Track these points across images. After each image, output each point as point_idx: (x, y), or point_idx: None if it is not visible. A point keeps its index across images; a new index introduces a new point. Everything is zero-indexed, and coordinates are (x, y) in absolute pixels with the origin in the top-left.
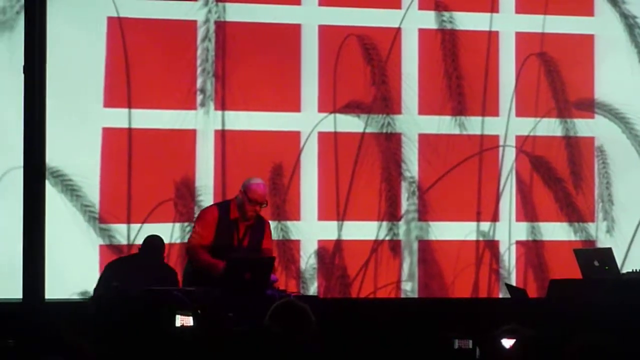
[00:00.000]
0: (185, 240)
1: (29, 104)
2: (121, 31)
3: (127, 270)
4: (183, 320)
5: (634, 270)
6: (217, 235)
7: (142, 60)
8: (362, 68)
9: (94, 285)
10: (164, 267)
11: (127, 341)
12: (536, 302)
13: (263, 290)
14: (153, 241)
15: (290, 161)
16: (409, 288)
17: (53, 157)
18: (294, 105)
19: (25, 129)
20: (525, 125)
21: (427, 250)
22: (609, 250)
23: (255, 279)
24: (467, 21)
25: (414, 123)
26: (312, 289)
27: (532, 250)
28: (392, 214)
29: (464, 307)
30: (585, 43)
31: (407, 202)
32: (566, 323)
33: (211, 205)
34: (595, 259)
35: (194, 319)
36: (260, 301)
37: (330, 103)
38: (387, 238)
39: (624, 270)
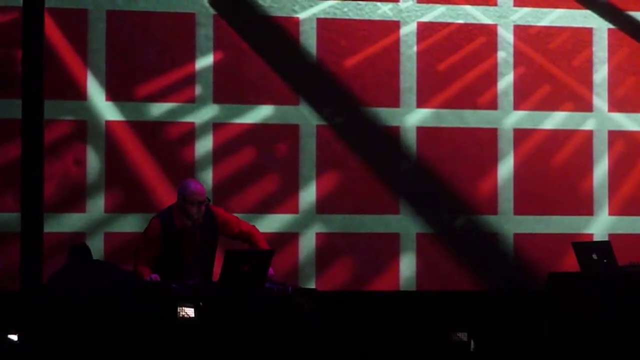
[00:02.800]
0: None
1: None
2: None
3: (76, 278)
4: (184, 312)
5: (632, 264)
6: (166, 246)
7: None
8: None
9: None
10: (100, 263)
11: (129, 334)
12: (535, 295)
13: (261, 283)
14: (76, 247)
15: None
16: None
17: None
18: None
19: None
20: None
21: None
22: (607, 244)
23: (254, 271)
24: None
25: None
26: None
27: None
28: None
29: (460, 300)
30: None
31: None
32: (565, 316)
33: (153, 218)
34: (594, 252)
35: (195, 311)
36: (259, 294)
37: None
38: None
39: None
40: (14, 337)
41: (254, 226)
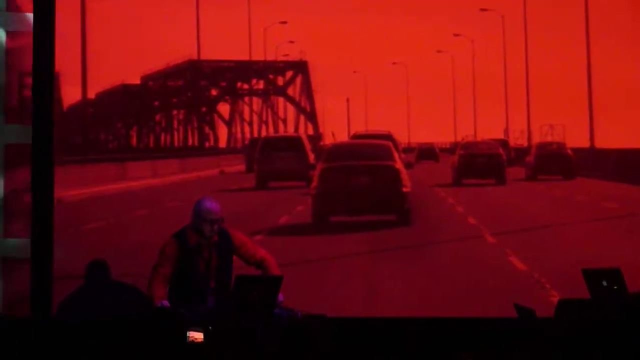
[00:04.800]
0: None
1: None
2: None
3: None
4: (193, 337)
5: None
6: (181, 265)
7: None
8: None
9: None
10: (116, 285)
11: (139, 357)
12: (544, 322)
13: (271, 309)
14: (94, 265)
15: None
16: None
17: None
18: None
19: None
20: None
21: None
22: (617, 271)
23: (263, 297)
24: None
25: None
26: None
27: None
28: None
29: (473, 327)
30: None
31: None
32: (574, 343)
33: (170, 238)
34: (604, 279)
35: (204, 335)
36: (268, 320)
37: None
38: None
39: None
40: None
41: (267, 252)
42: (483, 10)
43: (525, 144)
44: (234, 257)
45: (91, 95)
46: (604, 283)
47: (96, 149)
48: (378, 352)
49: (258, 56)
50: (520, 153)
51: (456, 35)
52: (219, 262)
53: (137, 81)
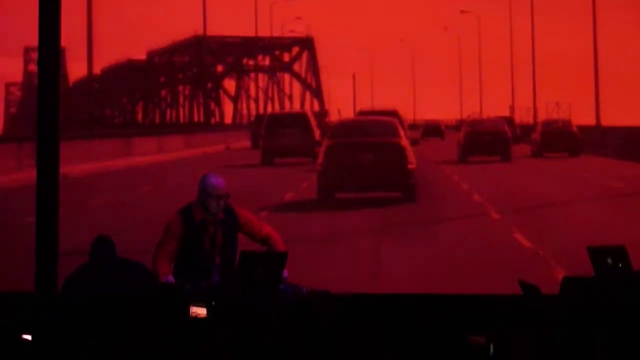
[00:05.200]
0: None
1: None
2: None
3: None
4: (196, 312)
5: None
6: (186, 242)
7: None
8: None
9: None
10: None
11: (140, 332)
12: (549, 300)
13: (276, 285)
14: (100, 241)
15: None
16: None
17: None
18: None
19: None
20: None
21: None
22: (622, 249)
23: (268, 273)
24: None
25: None
26: None
27: None
28: None
29: (477, 304)
30: None
31: None
32: (579, 321)
33: (175, 214)
34: (609, 257)
35: (207, 311)
36: (273, 296)
37: None
38: None
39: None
40: (28, 337)
41: (273, 229)
42: None
43: (531, 121)
44: (239, 234)
45: (97, 70)
46: (609, 261)
47: (102, 124)
48: (382, 328)
49: (264, 32)
50: (526, 130)
51: (463, 12)
52: (224, 239)
53: (143, 57)
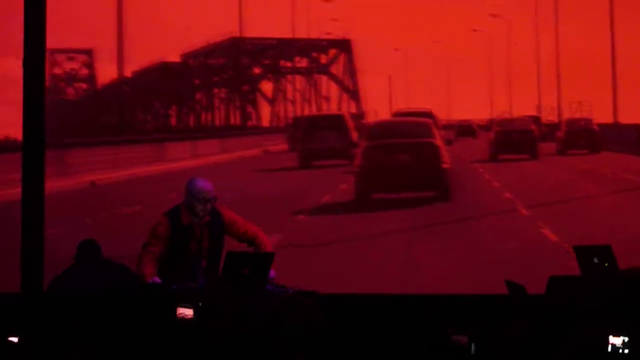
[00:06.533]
0: None
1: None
2: None
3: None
4: (183, 313)
5: (634, 267)
6: (172, 244)
7: None
8: None
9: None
10: (106, 263)
11: (127, 334)
12: (534, 299)
13: (262, 286)
14: (85, 244)
15: None
16: None
17: None
18: None
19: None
20: None
21: None
22: (608, 247)
23: (254, 274)
24: None
25: None
26: None
27: None
28: None
29: (460, 303)
30: None
31: None
32: (565, 320)
33: (161, 216)
34: (595, 256)
35: (194, 312)
36: (260, 297)
37: None
38: None
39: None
40: (14, 339)
41: (259, 229)
42: None
43: (556, 120)
44: (227, 237)
45: (127, 73)
46: (595, 260)
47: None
48: (366, 328)
49: (301, 34)
50: (552, 128)
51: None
52: (211, 241)
53: (177, 59)
